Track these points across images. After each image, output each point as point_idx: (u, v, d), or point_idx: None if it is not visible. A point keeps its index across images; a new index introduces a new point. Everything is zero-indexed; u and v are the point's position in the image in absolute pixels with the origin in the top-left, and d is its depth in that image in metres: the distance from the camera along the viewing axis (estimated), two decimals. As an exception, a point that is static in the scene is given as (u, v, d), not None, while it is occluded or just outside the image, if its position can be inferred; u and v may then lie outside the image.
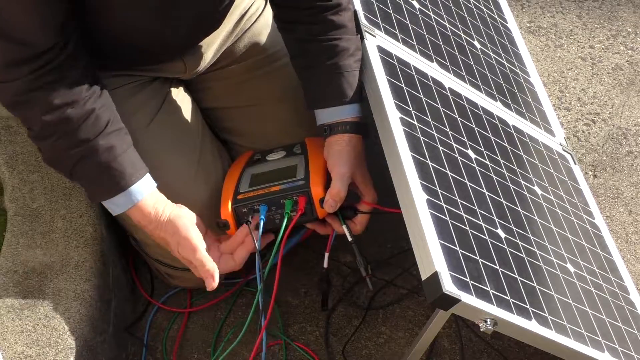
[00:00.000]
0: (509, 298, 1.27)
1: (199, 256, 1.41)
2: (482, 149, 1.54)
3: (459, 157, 1.46)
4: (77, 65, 1.35)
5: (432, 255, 1.22)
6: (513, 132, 1.69)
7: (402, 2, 1.73)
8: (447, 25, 1.80)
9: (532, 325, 1.27)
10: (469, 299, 1.20)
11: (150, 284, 1.71)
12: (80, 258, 1.50)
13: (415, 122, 1.43)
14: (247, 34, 1.70)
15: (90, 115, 1.35)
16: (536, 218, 1.52)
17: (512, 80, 1.86)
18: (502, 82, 1.81)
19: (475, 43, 1.84)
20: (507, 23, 2.05)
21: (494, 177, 1.50)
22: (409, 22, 1.69)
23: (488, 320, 1.22)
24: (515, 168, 1.59)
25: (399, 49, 1.59)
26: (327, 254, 1.51)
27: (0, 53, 1.28)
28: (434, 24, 1.77)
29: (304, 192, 1.45)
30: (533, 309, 1.30)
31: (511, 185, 1.53)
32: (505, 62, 1.89)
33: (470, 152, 1.50)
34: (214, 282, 1.41)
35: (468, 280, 1.23)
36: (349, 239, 1.47)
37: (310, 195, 1.44)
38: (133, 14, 1.39)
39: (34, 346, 1.36)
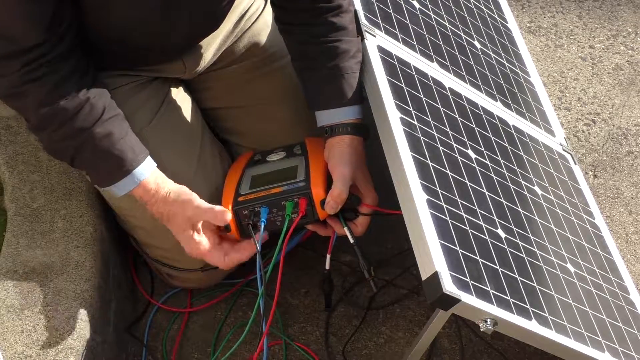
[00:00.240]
0: (509, 298, 1.27)
1: (208, 207, 1.42)
2: (483, 149, 1.54)
3: (459, 157, 1.46)
4: (70, 60, 1.36)
5: (432, 255, 1.22)
6: (513, 132, 1.69)
7: (402, 2, 1.73)
8: (447, 25, 1.80)
9: (532, 325, 1.27)
10: (469, 299, 1.20)
11: (150, 284, 1.70)
12: (80, 258, 1.50)
13: (416, 122, 1.43)
14: (246, 34, 1.70)
15: (85, 105, 1.36)
16: (536, 218, 1.52)
17: (512, 80, 1.86)
18: (502, 82, 1.81)
19: (476, 43, 1.84)
20: (507, 23, 2.05)
21: (494, 177, 1.50)
22: (409, 22, 1.69)
23: (488, 320, 1.22)
24: (516, 168, 1.59)
25: (399, 49, 1.59)
26: (328, 256, 1.51)
27: None
28: (434, 23, 1.76)
29: (304, 194, 1.44)
30: (533, 309, 1.30)
31: (511, 185, 1.53)
32: (505, 62, 1.89)
33: (470, 152, 1.50)
34: (227, 215, 1.42)
35: (468, 280, 1.23)
36: (351, 240, 1.46)
37: (311, 196, 1.44)
38: (133, 14, 1.39)
39: (34, 346, 1.36)
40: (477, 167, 1.48)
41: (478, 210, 1.38)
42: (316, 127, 1.53)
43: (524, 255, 1.39)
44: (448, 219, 1.30)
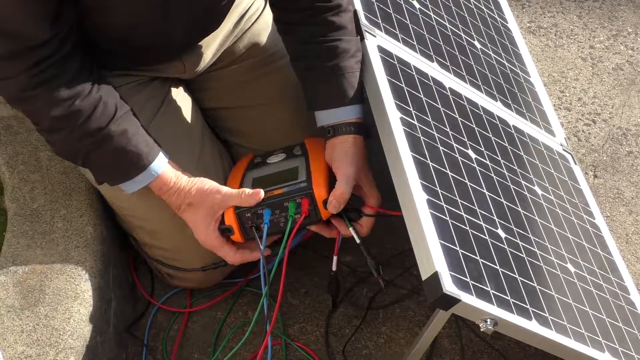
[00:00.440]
0: (509, 298, 1.27)
1: (235, 191, 1.43)
2: (483, 149, 1.54)
3: (459, 157, 1.46)
4: (76, 58, 1.36)
5: (432, 255, 1.22)
6: (513, 132, 1.69)
7: (402, 2, 1.73)
8: (448, 25, 1.80)
9: (533, 326, 1.27)
10: (469, 299, 1.20)
11: (150, 284, 1.70)
12: (80, 258, 1.50)
13: (416, 122, 1.43)
14: (246, 34, 1.70)
15: (99, 104, 1.36)
16: (536, 218, 1.52)
17: (512, 80, 1.86)
18: (502, 82, 1.81)
19: (476, 43, 1.84)
20: (507, 23, 2.05)
21: (494, 177, 1.50)
22: (409, 22, 1.69)
23: (488, 320, 1.22)
24: (516, 168, 1.59)
25: (399, 49, 1.59)
26: (335, 257, 1.51)
27: None
28: (434, 24, 1.76)
29: (306, 194, 1.44)
30: (533, 309, 1.30)
31: (511, 185, 1.53)
32: (505, 62, 1.89)
33: (470, 152, 1.50)
34: (261, 193, 1.43)
35: (468, 280, 1.23)
36: (357, 241, 1.46)
37: (313, 196, 1.44)
38: (132, 12, 1.39)
39: (34, 346, 1.36)
40: (477, 167, 1.48)
41: (478, 210, 1.38)
42: (316, 127, 1.53)
43: (524, 255, 1.39)
44: (448, 219, 1.30)
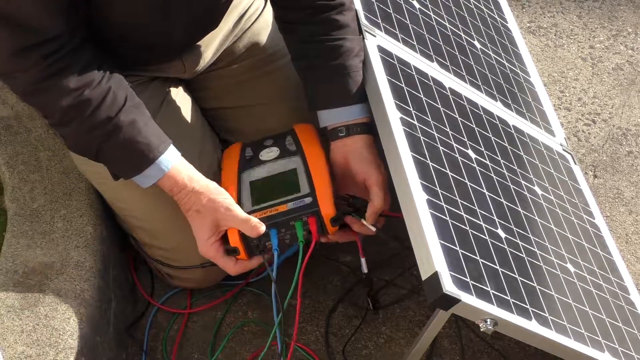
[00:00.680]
0: (509, 298, 1.27)
1: (244, 217, 1.41)
2: (483, 149, 1.54)
3: (459, 157, 1.46)
4: (88, 48, 1.36)
5: (432, 255, 1.22)
6: (513, 132, 1.69)
7: (402, 2, 1.73)
8: (447, 25, 1.80)
9: (533, 326, 1.27)
10: (469, 299, 1.20)
11: (150, 284, 1.70)
12: (80, 258, 1.50)
13: (416, 122, 1.43)
14: (246, 34, 1.70)
15: (108, 94, 1.36)
16: (536, 218, 1.52)
17: (512, 80, 1.86)
18: (502, 82, 1.81)
19: (476, 43, 1.84)
20: (507, 23, 2.05)
21: (494, 177, 1.50)
22: (409, 22, 1.69)
23: (488, 320, 1.22)
24: (516, 168, 1.59)
25: (399, 49, 1.59)
26: (363, 259, 1.52)
27: (9, 40, 1.28)
28: (434, 23, 1.76)
29: (313, 212, 1.43)
30: (533, 309, 1.30)
31: (511, 185, 1.53)
32: (505, 62, 1.89)
33: (470, 152, 1.50)
34: (262, 228, 1.42)
35: (468, 280, 1.23)
36: (372, 229, 1.45)
37: (319, 214, 1.43)
38: (132, 11, 1.39)
39: (34, 346, 1.36)
40: (477, 167, 1.48)
41: (478, 210, 1.38)
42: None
43: (524, 255, 1.39)
44: (448, 219, 1.30)
